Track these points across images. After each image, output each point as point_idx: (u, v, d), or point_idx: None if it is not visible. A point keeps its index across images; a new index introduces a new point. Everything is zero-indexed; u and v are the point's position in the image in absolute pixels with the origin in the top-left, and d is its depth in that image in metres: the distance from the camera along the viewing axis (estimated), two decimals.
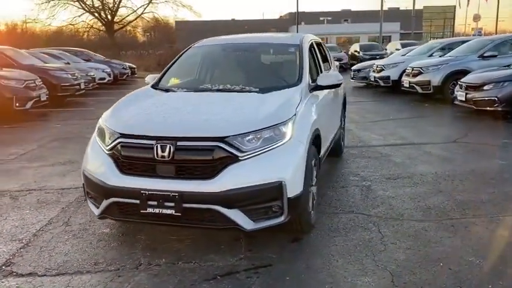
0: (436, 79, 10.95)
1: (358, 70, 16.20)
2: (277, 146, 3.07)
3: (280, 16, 66.24)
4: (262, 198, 2.97)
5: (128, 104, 3.73)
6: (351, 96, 13.26)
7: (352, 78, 16.26)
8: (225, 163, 2.93)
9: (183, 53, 4.69)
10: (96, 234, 3.64)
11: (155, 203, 2.95)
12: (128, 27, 32.99)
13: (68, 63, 15.70)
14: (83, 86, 12.97)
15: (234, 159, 2.94)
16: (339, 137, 5.54)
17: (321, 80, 4.03)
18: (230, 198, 2.89)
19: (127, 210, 3.10)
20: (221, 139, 2.95)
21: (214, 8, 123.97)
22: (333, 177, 5.08)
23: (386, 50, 27.35)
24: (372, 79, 14.29)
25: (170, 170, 2.99)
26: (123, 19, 31.54)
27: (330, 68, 5.65)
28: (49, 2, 28.65)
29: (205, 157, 2.94)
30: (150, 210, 2.98)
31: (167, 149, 2.96)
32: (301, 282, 2.86)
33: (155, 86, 4.20)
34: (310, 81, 4.01)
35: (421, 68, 11.42)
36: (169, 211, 2.94)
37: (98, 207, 3.26)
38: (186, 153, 2.97)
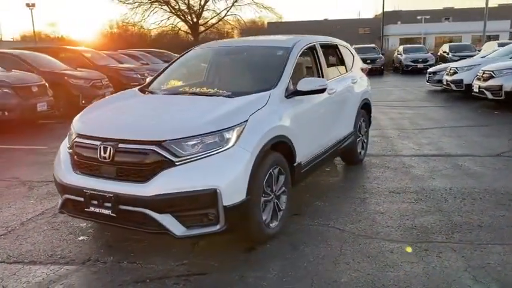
0: (509, 84, 9.82)
1: (434, 73, 15.09)
2: (218, 153, 2.99)
3: (375, 15, 64.16)
4: (195, 205, 2.92)
5: (100, 105, 3.89)
6: (417, 100, 12.51)
7: (427, 81, 15.23)
8: (160, 167, 2.93)
9: (180, 57, 4.77)
10: (72, 228, 3.84)
11: (96, 202, 3.05)
12: (212, 29, 34.18)
13: (147, 63, 16.75)
14: None
15: (169, 163, 2.92)
16: (352, 144, 5.23)
17: (301, 86, 3.84)
18: (161, 203, 2.88)
19: (76, 208, 3.23)
20: (158, 143, 2.95)
21: (309, 8, 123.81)
22: (332, 187, 4.82)
23: (479, 51, 25.14)
24: (444, 82, 13.25)
25: (111, 171, 3.06)
26: (206, 22, 32.84)
27: (347, 72, 5.35)
28: (140, 6, 30.79)
29: (141, 160, 2.97)
30: (92, 209, 3.08)
31: (108, 151, 3.04)
32: None
33: (145, 88, 4.32)
34: (292, 86, 3.84)
35: (492, 71, 10.31)
36: (107, 211, 3.02)
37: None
38: (124, 156, 3.02)
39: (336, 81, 4.81)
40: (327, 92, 4.44)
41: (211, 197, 2.88)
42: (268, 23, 48.68)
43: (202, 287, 2.87)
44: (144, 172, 2.96)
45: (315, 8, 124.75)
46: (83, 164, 3.20)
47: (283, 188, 3.60)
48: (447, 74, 13.18)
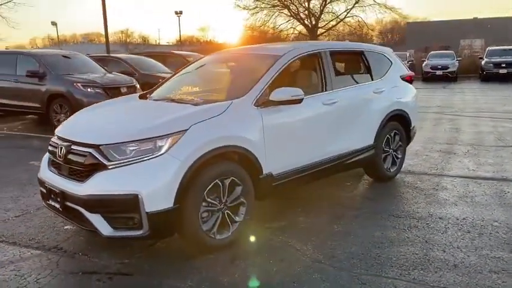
0: None
1: None
2: (148, 159, 3.08)
3: None
4: (120, 208, 3.05)
5: (88, 109, 4.25)
6: None
7: None
8: (96, 170, 3.14)
9: (189, 65, 4.95)
10: None
11: (52, 196, 3.39)
12: (331, 31, 33.78)
13: None
14: None
15: (103, 167, 3.11)
16: (371, 158, 4.83)
17: (273, 95, 3.70)
18: (92, 203, 3.08)
19: (44, 199, 3.62)
20: (96, 146, 3.16)
21: (455, 7, 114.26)
22: (328, 203, 4.49)
23: None
24: None
25: (65, 169, 3.37)
26: (326, 24, 32.55)
27: (373, 80, 4.95)
28: (260, 11, 31.88)
29: (82, 161, 3.20)
30: (50, 201, 3.44)
31: (62, 151, 3.35)
32: None
33: (146, 94, 4.58)
34: (267, 96, 3.72)
35: None
36: (57, 205, 3.34)
37: None
38: (73, 156, 3.30)
39: (344, 91, 4.49)
40: (323, 103, 4.21)
41: (133, 202, 2.99)
42: (407, 23, 46.58)
43: (118, 286, 2.99)
44: (84, 173, 3.19)
45: (464, 6, 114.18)
46: (53, 161, 3.58)
47: (241, 199, 3.53)
48: None
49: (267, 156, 3.68)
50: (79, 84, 9.30)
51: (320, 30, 32.71)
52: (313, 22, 32.03)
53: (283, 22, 33.26)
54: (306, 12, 31.73)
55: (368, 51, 5.11)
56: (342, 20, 32.22)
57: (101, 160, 3.11)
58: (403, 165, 5.78)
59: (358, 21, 32.42)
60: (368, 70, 5.01)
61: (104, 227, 3.09)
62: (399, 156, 5.33)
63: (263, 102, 3.71)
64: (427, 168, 5.76)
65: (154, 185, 3.04)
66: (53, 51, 11.80)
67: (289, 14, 32.24)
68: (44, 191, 3.51)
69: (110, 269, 3.21)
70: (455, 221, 3.91)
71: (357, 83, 4.79)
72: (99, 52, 22.68)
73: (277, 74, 3.95)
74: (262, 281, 2.98)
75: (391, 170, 5.22)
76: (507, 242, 3.47)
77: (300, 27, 33.53)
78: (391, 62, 5.37)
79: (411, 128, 5.44)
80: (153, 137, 3.13)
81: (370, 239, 3.59)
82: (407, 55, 25.78)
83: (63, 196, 3.25)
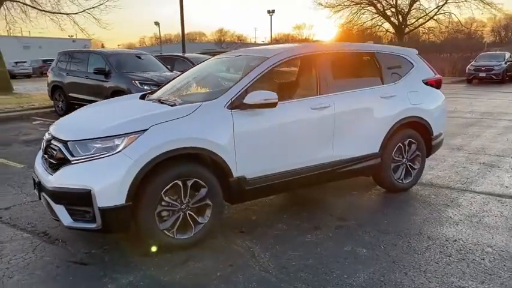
0: None
1: None
2: (105, 157, 3.23)
3: None
4: (76, 201, 3.24)
5: (87, 107, 4.52)
6: None
7: None
8: (63, 164, 3.37)
9: (195, 66, 5.03)
10: None
11: (35, 185, 3.70)
12: (421, 29, 31.80)
13: None
14: None
15: (68, 161, 3.33)
16: (374, 167, 4.54)
17: (247, 98, 3.65)
18: (54, 195, 3.32)
19: (34, 187, 3.95)
20: (64, 142, 3.39)
21: None
22: (320, 211, 4.30)
23: None
24: None
25: (46, 162, 3.66)
26: (415, 21, 30.70)
27: (383, 84, 4.64)
28: (347, 8, 30.98)
29: (54, 155, 3.46)
30: (35, 190, 3.76)
31: (44, 144, 3.65)
32: (74, 285, 3.03)
33: (148, 93, 4.76)
34: (242, 99, 3.68)
35: None
36: (38, 194, 3.64)
37: None
38: (50, 150, 3.57)
39: (341, 95, 4.26)
40: (311, 107, 4.05)
41: (87, 196, 3.16)
42: None
43: (72, 274, 3.18)
44: (55, 166, 3.44)
45: None
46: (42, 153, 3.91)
47: (207, 201, 3.55)
48: None
49: (238, 160, 3.65)
50: (137, 82, 9.90)
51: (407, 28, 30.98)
52: (401, 19, 30.43)
53: (367, 20, 32.10)
54: (393, 9, 30.23)
55: (381, 54, 4.79)
56: (431, 17, 30.19)
57: (66, 155, 3.33)
58: (428, 177, 5.38)
59: (450, 18, 30.13)
60: (378, 73, 4.70)
61: (65, 218, 3.31)
62: (415, 167, 4.92)
63: (237, 105, 3.68)
64: (454, 181, 5.25)
65: (105, 182, 3.17)
66: (121, 50, 12.71)
67: (375, 11, 30.99)
68: (33, 180, 3.85)
69: (74, 258, 3.43)
70: (442, 243, 3.54)
71: (361, 87, 4.50)
72: (195, 51, 24.12)
73: (259, 76, 3.88)
74: (196, 285, 2.98)
75: (404, 182, 4.85)
76: (487, 272, 3.06)
77: (387, 25, 32.13)
78: (412, 64, 4.98)
79: (433, 136, 4.99)
80: (111, 136, 3.27)
81: (335, 253, 3.40)
82: (507, 56, 23.32)
83: (39, 186, 3.54)
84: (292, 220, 4.10)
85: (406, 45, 32.42)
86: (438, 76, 5.21)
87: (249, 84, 3.79)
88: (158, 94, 4.55)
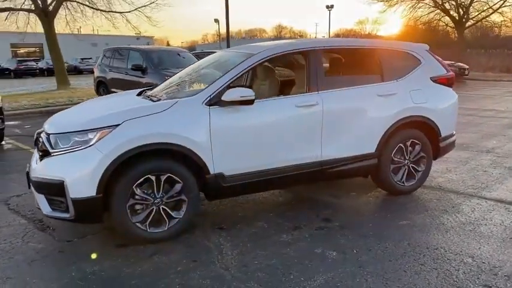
0: None
1: None
2: (79, 150, 3.36)
3: None
4: (53, 191, 3.40)
5: (85, 101, 4.69)
6: None
7: None
8: (46, 155, 3.55)
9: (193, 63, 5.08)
10: None
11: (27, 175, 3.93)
12: (485, 22, 29.76)
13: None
14: None
15: (49, 153, 3.51)
16: (370, 168, 4.38)
17: (224, 95, 3.65)
18: (35, 184, 3.52)
19: None
20: (47, 135, 3.58)
21: None
22: (308, 210, 4.19)
23: None
24: None
25: (37, 153, 3.87)
26: (477, 14, 28.80)
27: (383, 82, 4.45)
28: (399, 2, 29.71)
29: (40, 148, 3.66)
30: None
31: (35, 136, 3.87)
32: (43, 271, 3.19)
33: (147, 90, 4.88)
34: (220, 95, 3.68)
35: None
36: (27, 183, 3.87)
37: None
38: (38, 142, 3.78)
39: (332, 93, 4.13)
40: (296, 105, 3.97)
41: (60, 187, 3.32)
42: None
43: (46, 260, 3.35)
44: (41, 158, 3.64)
45: None
46: None
47: (182, 197, 3.59)
48: None
49: (214, 157, 3.66)
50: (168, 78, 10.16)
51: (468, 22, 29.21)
52: (461, 13, 28.73)
53: (424, 14, 30.61)
54: (453, 1, 28.58)
55: (383, 50, 4.58)
56: (495, 10, 28.21)
57: (48, 147, 3.51)
58: (439, 180, 5.11)
59: None
60: (378, 71, 4.50)
61: (45, 207, 3.50)
62: (419, 169, 4.66)
63: (216, 102, 3.68)
64: (465, 186, 4.93)
65: (77, 174, 3.31)
66: (160, 47, 13.08)
67: (432, 4, 29.49)
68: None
69: (55, 245, 3.62)
70: (421, 250, 3.34)
71: (356, 85, 4.33)
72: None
73: (241, 73, 3.87)
74: (153, 278, 3.03)
75: (406, 184, 4.61)
76: (455, 284, 2.85)
77: (447, 19, 30.45)
78: (419, 61, 4.71)
79: (440, 137, 4.71)
80: (86, 130, 3.40)
81: (303, 254, 3.32)
82: None
83: (27, 176, 3.76)
84: (276, 218, 4.05)
85: (468, 40, 30.76)
86: (450, 73, 4.89)
87: (230, 81, 3.78)
88: (155, 90, 4.66)
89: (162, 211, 3.56)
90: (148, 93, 4.53)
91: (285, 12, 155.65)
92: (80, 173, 3.31)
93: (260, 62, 3.99)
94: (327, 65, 4.72)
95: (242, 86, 3.97)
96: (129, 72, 11.25)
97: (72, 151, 3.38)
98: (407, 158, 4.58)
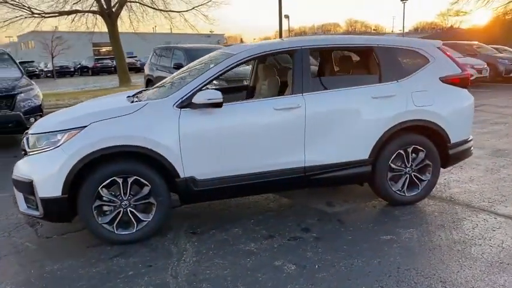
0: None
1: None
2: (48, 151, 3.46)
3: None
4: (25, 190, 3.53)
5: (80, 104, 4.81)
6: None
7: None
8: (25, 154, 3.70)
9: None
10: None
11: None
12: None
13: None
14: None
15: (26, 153, 3.65)
16: (364, 176, 4.10)
17: (195, 98, 3.57)
18: (13, 183, 3.67)
19: None
20: (27, 136, 3.72)
21: None
22: (294, 218, 3.99)
23: None
24: None
25: None
26: None
27: (381, 82, 4.11)
28: None
29: (22, 147, 3.82)
30: None
31: (23, 136, 4.05)
32: (8, 266, 3.33)
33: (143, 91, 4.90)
34: (192, 98, 3.60)
35: None
36: None
37: None
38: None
39: (318, 95, 3.89)
40: (274, 108, 3.79)
41: (30, 186, 3.44)
42: None
43: (18, 256, 3.49)
44: (23, 157, 3.80)
45: None
46: None
47: (150, 200, 3.58)
48: None
49: (184, 160, 3.59)
50: None
51: None
52: None
53: (502, 4, 28.12)
54: None
55: (383, 48, 4.21)
56: None
57: (25, 147, 3.65)
58: (454, 190, 4.68)
59: None
60: (375, 71, 4.16)
61: (21, 204, 3.65)
62: (424, 178, 4.25)
63: (187, 104, 3.61)
64: (481, 198, 4.42)
65: (43, 174, 3.41)
66: (204, 46, 13.19)
67: None
68: None
69: (34, 241, 3.77)
70: (389, 271, 3.02)
71: (348, 86, 4.03)
72: None
73: (217, 74, 3.76)
74: (100, 281, 3.03)
75: (407, 194, 4.23)
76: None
77: None
78: (427, 60, 4.29)
79: (449, 144, 4.26)
80: (55, 131, 3.49)
81: (259, 267, 3.15)
82: None
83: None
84: (255, 225, 3.91)
85: None
86: (465, 73, 4.40)
87: (204, 83, 3.70)
88: (148, 91, 4.67)
89: (130, 213, 3.57)
90: (140, 94, 4.56)
91: (360, 4, 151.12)
92: (46, 173, 3.41)
93: (238, 63, 3.85)
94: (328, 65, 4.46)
95: (242, 87, 3.87)
96: (172, 71, 11.49)
97: (43, 152, 3.48)
98: (408, 165, 4.20)
